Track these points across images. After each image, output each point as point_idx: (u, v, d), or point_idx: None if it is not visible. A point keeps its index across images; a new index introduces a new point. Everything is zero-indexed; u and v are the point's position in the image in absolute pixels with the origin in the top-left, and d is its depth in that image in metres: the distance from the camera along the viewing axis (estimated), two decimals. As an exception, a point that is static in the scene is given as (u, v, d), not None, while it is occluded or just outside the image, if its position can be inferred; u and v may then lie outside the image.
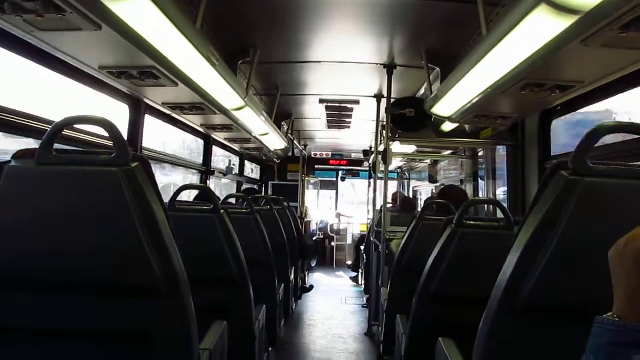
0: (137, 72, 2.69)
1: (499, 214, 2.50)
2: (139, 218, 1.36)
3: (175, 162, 4.85)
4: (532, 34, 2.05)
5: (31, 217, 1.38)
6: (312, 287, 8.10)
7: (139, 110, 3.47)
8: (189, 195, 4.40)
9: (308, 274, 8.94)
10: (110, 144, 1.43)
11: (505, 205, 3.80)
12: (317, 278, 9.70)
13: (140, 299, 1.44)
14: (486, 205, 5.17)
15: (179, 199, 2.71)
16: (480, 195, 5.57)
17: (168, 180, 5.95)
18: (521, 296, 1.34)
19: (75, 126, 2.51)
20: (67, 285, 1.44)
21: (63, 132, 1.48)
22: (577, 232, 1.26)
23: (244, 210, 3.71)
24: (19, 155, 1.41)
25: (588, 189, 1.25)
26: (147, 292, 1.43)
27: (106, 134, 1.45)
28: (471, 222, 2.41)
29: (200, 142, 5.57)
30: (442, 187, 6.02)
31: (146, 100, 3.48)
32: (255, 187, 8.65)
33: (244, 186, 7.53)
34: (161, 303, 1.45)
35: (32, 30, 2.03)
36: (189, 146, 5.90)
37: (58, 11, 1.82)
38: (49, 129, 1.43)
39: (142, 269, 1.40)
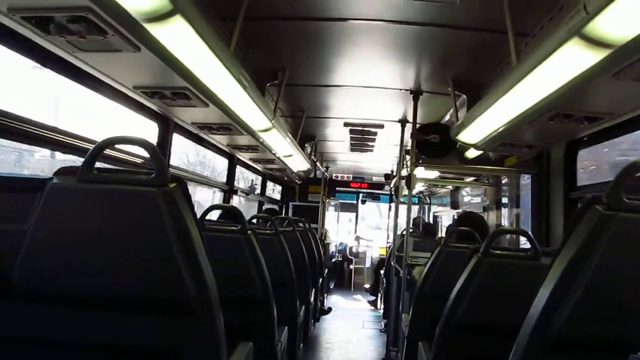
0: (170, 93, 2.76)
1: (522, 242, 2.49)
2: (175, 237, 1.39)
3: (200, 181, 4.91)
4: (563, 66, 2.06)
5: (70, 233, 1.41)
6: (330, 309, 8.07)
7: (167, 128, 3.53)
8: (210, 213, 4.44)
9: (326, 295, 8.90)
10: (142, 161, 1.46)
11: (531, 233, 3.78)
12: (334, 300, 9.66)
13: (174, 317, 1.46)
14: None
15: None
16: (503, 223, 5.53)
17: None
18: (553, 330, 1.33)
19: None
20: (102, 302, 1.46)
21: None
22: (611, 268, 1.25)
23: (268, 231, 3.73)
24: (61, 172, 1.45)
25: (623, 224, 1.24)
26: (180, 310, 1.45)
27: (140, 153, 1.49)
28: (498, 252, 2.40)
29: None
30: (460, 213, 5.98)
31: (175, 119, 3.54)
32: (276, 207, 8.68)
33: (265, 206, 7.57)
34: (193, 322, 1.47)
35: (73, 50, 2.10)
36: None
37: (100, 33, 1.89)
38: (90, 147, 1.48)
39: (177, 288, 1.42)
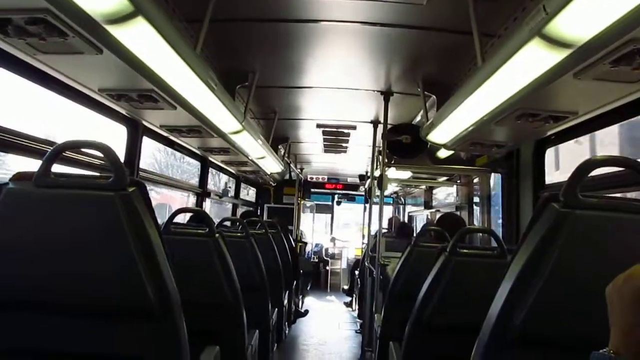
0: (136, 95, 2.72)
1: (494, 242, 2.52)
2: (134, 242, 1.37)
3: (172, 184, 4.86)
4: (526, 65, 2.08)
5: (27, 239, 1.39)
6: (307, 311, 8.06)
7: (136, 132, 3.49)
8: (184, 217, 4.41)
9: (302, 297, 8.89)
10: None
11: (500, 232, 3.82)
12: (310, 302, 9.65)
13: (134, 322, 1.44)
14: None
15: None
16: (475, 222, 5.58)
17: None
18: (513, 326, 1.34)
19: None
20: (61, 308, 1.44)
21: (63, 153, 1.50)
22: (567, 265, 1.27)
23: (238, 234, 3.71)
24: (17, 177, 1.42)
25: (578, 221, 1.26)
26: (140, 315, 1.44)
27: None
28: (465, 250, 2.42)
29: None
30: (440, 214, 6.03)
31: (144, 122, 3.50)
32: (252, 209, 8.65)
33: (242, 209, 7.53)
34: (154, 327, 1.45)
35: (34, 52, 2.06)
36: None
37: (60, 35, 1.85)
38: (48, 150, 1.45)
39: (136, 293, 1.40)
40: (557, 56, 1.91)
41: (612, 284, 0.86)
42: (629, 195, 2.61)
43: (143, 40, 2.04)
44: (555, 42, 1.82)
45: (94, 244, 1.38)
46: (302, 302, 8.76)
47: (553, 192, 1.32)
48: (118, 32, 1.89)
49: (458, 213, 5.91)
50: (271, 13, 2.94)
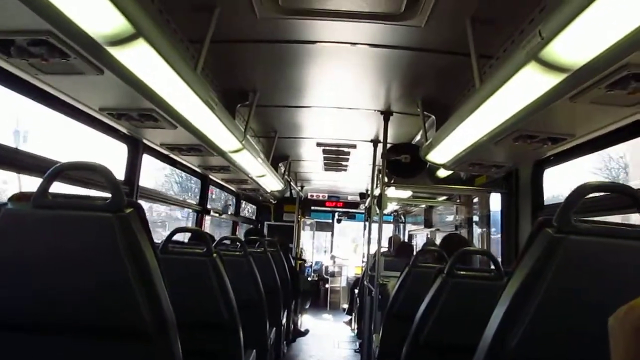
0: (137, 114, 2.74)
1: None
2: (130, 263, 1.38)
3: (172, 202, 4.87)
4: (523, 88, 2.10)
5: (24, 260, 1.39)
6: (307, 331, 8.00)
7: (137, 150, 3.51)
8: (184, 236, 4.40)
9: (301, 317, 8.85)
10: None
11: (500, 252, 3.82)
12: (310, 320, 9.60)
13: (129, 343, 1.44)
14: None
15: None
16: (475, 241, 5.57)
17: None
18: (507, 349, 1.34)
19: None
20: (57, 329, 1.44)
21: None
22: (561, 290, 1.28)
23: (237, 253, 3.71)
24: (16, 197, 1.43)
25: (571, 247, 1.27)
26: (135, 336, 1.44)
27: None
28: (462, 272, 2.42)
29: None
30: (445, 235, 6.01)
31: (144, 141, 3.52)
32: (253, 227, 8.63)
33: (242, 226, 7.52)
34: (149, 348, 1.45)
35: (36, 72, 2.09)
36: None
37: (62, 56, 1.88)
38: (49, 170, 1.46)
39: (131, 314, 1.41)
40: (553, 80, 1.92)
41: (615, 315, 0.85)
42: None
43: (144, 61, 2.06)
44: (551, 66, 1.84)
45: (90, 265, 1.39)
46: (301, 321, 8.71)
47: (547, 217, 1.33)
48: (119, 53, 1.91)
49: (458, 232, 5.91)
50: (271, 34, 2.97)
